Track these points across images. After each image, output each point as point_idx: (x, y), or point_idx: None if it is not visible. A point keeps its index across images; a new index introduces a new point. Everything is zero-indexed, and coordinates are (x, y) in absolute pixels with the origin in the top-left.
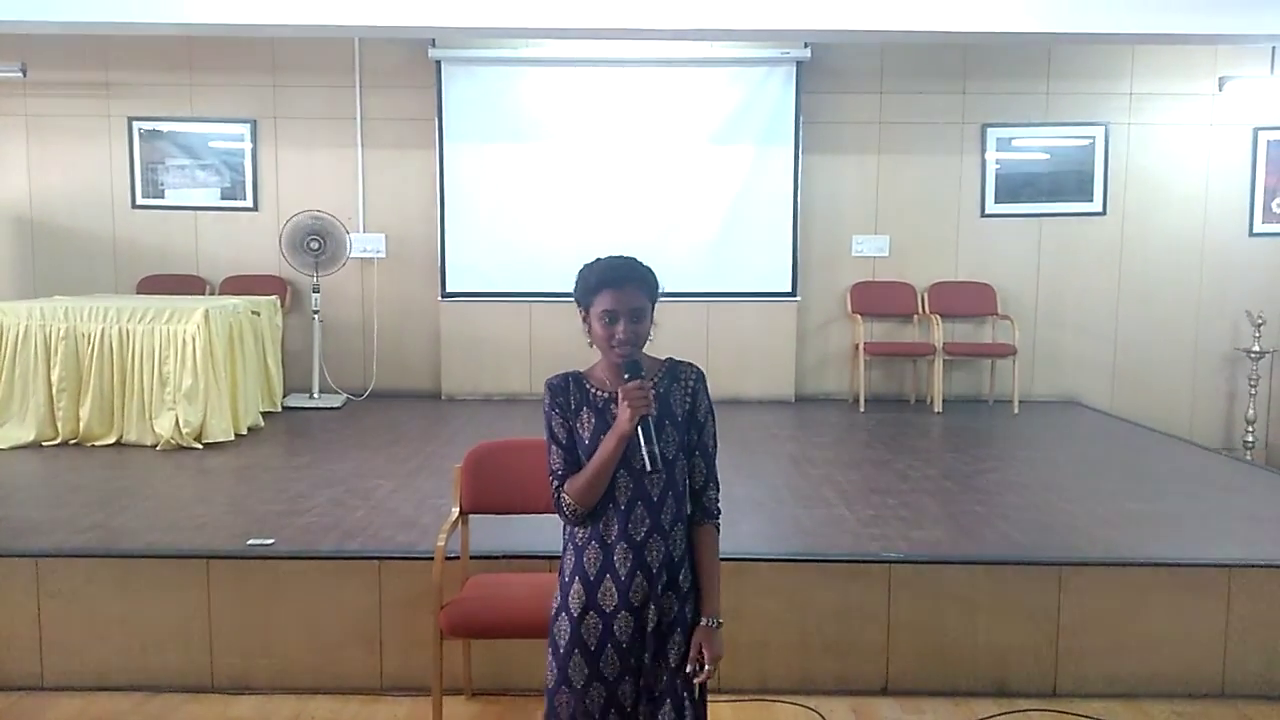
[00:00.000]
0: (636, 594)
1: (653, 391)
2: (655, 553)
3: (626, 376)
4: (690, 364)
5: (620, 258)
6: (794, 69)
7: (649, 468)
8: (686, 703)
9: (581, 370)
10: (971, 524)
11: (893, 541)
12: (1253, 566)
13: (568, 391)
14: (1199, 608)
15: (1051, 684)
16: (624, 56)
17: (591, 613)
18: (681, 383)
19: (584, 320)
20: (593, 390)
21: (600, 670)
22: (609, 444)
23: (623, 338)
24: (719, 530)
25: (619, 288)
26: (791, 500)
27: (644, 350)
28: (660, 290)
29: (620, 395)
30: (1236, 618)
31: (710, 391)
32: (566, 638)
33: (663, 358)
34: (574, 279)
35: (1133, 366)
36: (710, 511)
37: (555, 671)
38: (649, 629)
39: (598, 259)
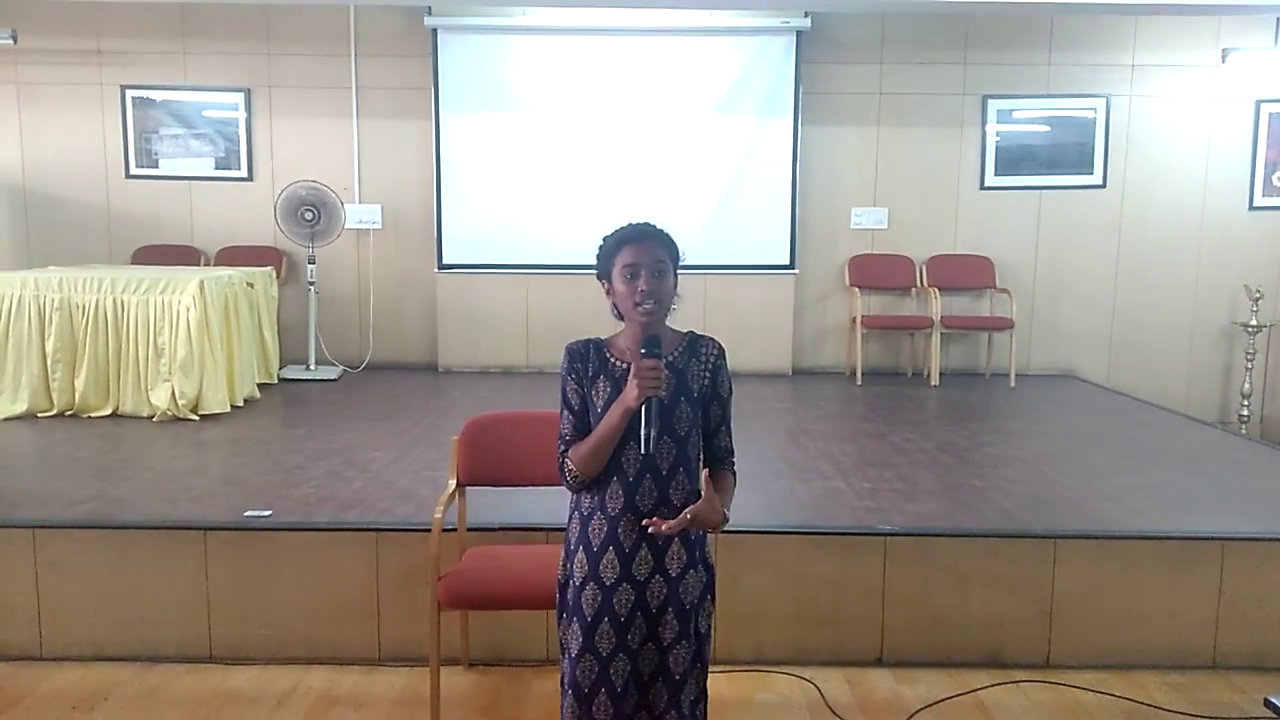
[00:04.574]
0: (642, 567)
1: (665, 373)
2: None
3: (643, 351)
4: (712, 339)
5: (638, 221)
6: (794, 38)
7: (643, 451)
8: (680, 682)
9: (604, 338)
10: (967, 497)
11: (889, 514)
12: (1246, 539)
13: (586, 358)
14: (1192, 580)
15: (1045, 655)
16: (622, 25)
17: (592, 584)
18: (701, 358)
19: (608, 293)
20: (612, 359)
21: (594, 643)
22: (613, 415)
23: (646, 289)
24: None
25: (639, 242)
26: (788, 473)
27: (667, 323)
28: (681, 257)
29: (632, 370)
30: (1229, 590)
31: None
32: (571, 605)
33: (684, 330)
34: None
35: (1130, 340)
36: (730, 467)
37: (563, 637)
38: (653, 605)
39: (616, 229)
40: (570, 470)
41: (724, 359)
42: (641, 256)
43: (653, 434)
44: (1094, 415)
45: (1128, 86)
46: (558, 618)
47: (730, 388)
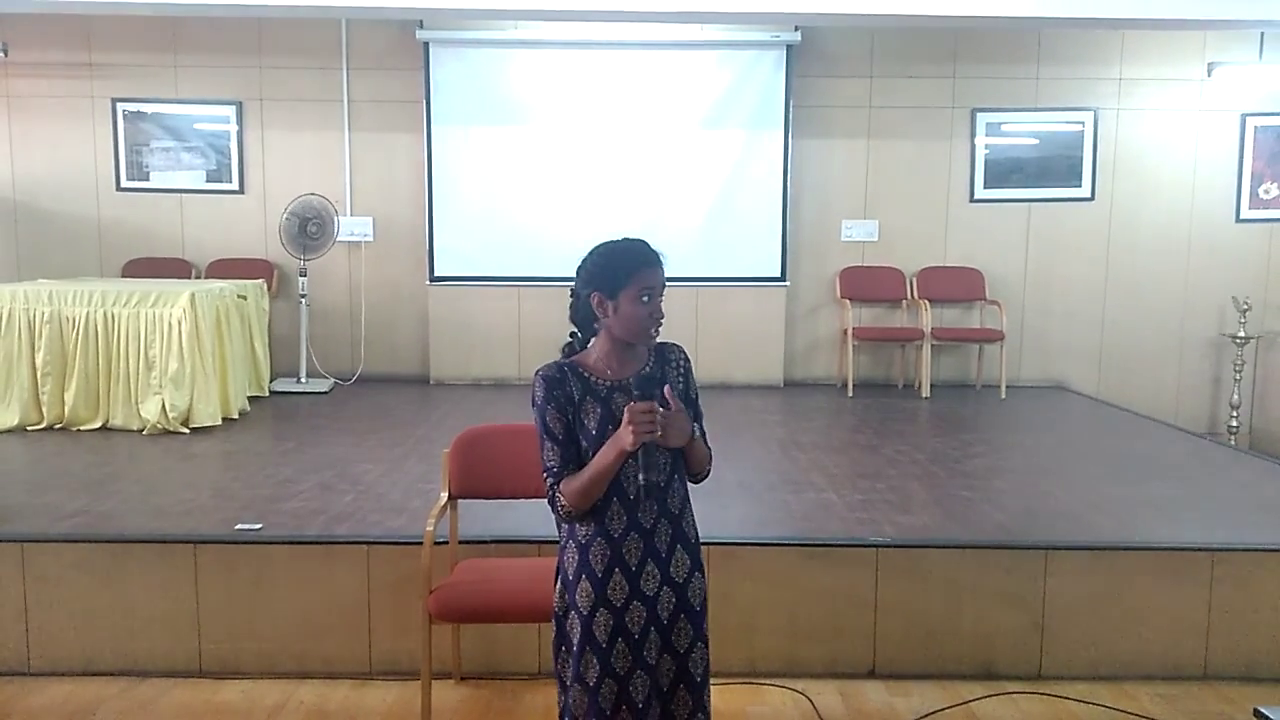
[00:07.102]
0: (650, 581)
1: (660, 412)
2: (664, 536)
3: (637, 394)
4: (676, 345)
5: (636, 239)
6: (784, 52)
7: (638, 496)
8: (702, 684)
9: (572, 359)
10: (958, 508)
11: (880, 526)
12: (1236, 550)
13: (565, 382)
14: (1182, 591)
15: (1037, 667)
16: (613, 39)
17: (602, 609)
18: (673, 364)
19: (599, 305)
20: (593, 379)
21: (611, 665)
22: (608, 457)
23: (661, 316)
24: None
25: (656, 266)
26: (780, 485)
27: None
28: None
29: (626, 414)
30: (1219, 601)
31: (698, 376)
32: (578, 636)
33: None
34: (587, 265)
35: (1119, 352)
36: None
37: (567, 669)
38: (664, 616)
39: (613, 242)
40: (563, 505)
41: (690, 362)
42: (658, 280)
43: (653, 479)
44: (1084, 426)
45: (1115, 100)
46: (555, 650)
47: (696, 389)
